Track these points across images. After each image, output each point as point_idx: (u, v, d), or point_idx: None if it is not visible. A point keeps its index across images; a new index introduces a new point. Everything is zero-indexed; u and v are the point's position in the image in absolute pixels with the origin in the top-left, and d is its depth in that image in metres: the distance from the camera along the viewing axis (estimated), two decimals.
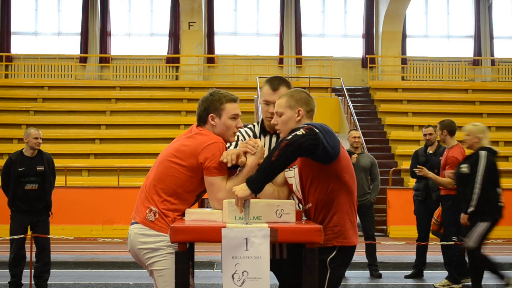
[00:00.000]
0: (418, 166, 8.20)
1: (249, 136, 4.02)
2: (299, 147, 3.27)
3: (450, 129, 8.14)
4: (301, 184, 3.57)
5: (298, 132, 3.30)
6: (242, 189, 3.23)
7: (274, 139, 4.00)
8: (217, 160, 3.60)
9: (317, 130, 3.33)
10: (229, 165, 3.59)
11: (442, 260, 8.72)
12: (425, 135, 8.82)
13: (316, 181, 3.50)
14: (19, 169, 7.70)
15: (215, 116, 3.74)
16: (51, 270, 8.02)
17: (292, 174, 3.63)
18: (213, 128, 3.75)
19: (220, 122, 3.74)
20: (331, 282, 3.48)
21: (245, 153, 3.64)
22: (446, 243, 8.10)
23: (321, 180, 3.49)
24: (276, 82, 3.93)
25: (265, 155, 3.62)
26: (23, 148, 7.89)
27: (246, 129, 4.10)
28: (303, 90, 3.73)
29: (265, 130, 4.04)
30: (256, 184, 3.23)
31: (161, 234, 3.61)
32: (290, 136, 3.29)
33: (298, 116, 3.61)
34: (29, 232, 7.90)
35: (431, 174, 8.08)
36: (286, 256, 3.85)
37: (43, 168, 7.78)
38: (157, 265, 3.64)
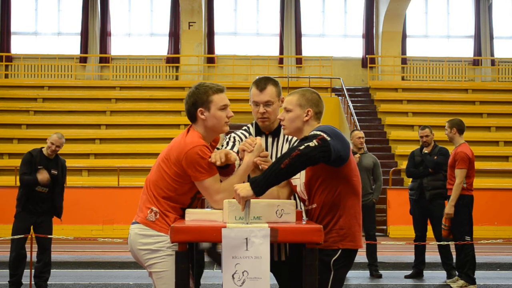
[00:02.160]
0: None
1: (246, 138, 3.96)
2: (310, 160, 3.23)
3: (460, 127, 8.15)
4: (308, 184, 3.54)
5: (311, 144, 3.24)
6: (245, 189, 3.21)
7: (270, 139, 3.96)
8: (201, 164, 3.55)
9: (329, 139, 3.28)
10: (218, 163, 3.54)
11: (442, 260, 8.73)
12: (421, 137, 8.83)
13: (324, 183, 3.48)
14: (37, 167, 7.68)
15: (204, 110, 3.67)
16: (51, 270, 8.02)
17: (297, 176, 3.60)
18: (204, 122, 3.68)
19: (210, 115, 3.66)
20: (334, 284, 3.48)
21: (243, 151, 3.62)
22: (457, 242, 8.08)
23: (330, 182, 3.47)
24: (262, 82, 3.88)
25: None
26: (42, 147, 7.89)
27: (242, 131, 4.05)
28: (315, 91, 3.70)
29: (260, 131, 3.99)
30: (261, 187, 3.21)
31: (161, 234, 3.60)
32: (303, 147, 3.23)
33: (306, 116, 3.58)
34: (30, 232, 7.89)
35: (452, 202, 7.93)
36: (285, 258, 3.83)
37: (56, 172, 7.79)
38: (156, 267, 3.63)
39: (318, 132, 3.34)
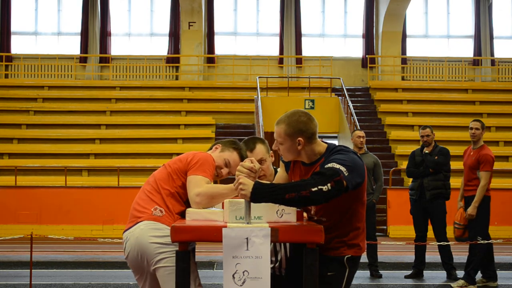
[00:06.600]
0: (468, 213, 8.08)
1: None
2: (315, 203, 3.23)
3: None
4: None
5: (324, 188, 3.14)
6: (248, 189, 3.14)
7: None
8: (203, 164, 3.72)
9: (345, 175, 3.21)
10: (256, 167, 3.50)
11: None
12: (422, 136, 8.78)
13: (335, 201, 3.39)
14: None
15: (221, 147, 3.98)
16: (51, 270, 7.92)
17: None
18: (215, 152, 3.97)
19: (219, 155, 3.93)
20: (348, 281, 3.51)
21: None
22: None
23: (342, 201, 3.43)
24: (251, 143, 4.08)
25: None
26: None
27: None
28: (302, 112, 3.50)
29: None
30: (259, 199, 3.16)
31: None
32: (315, 189, 3.13)
33: (299, 145, 3.47)
34: (30, 232, 7.86)
35: (476, 204, 7.90)
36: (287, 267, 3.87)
37: None
38: (166, 261, 3.63)
39: (337, 167, 3.23)
